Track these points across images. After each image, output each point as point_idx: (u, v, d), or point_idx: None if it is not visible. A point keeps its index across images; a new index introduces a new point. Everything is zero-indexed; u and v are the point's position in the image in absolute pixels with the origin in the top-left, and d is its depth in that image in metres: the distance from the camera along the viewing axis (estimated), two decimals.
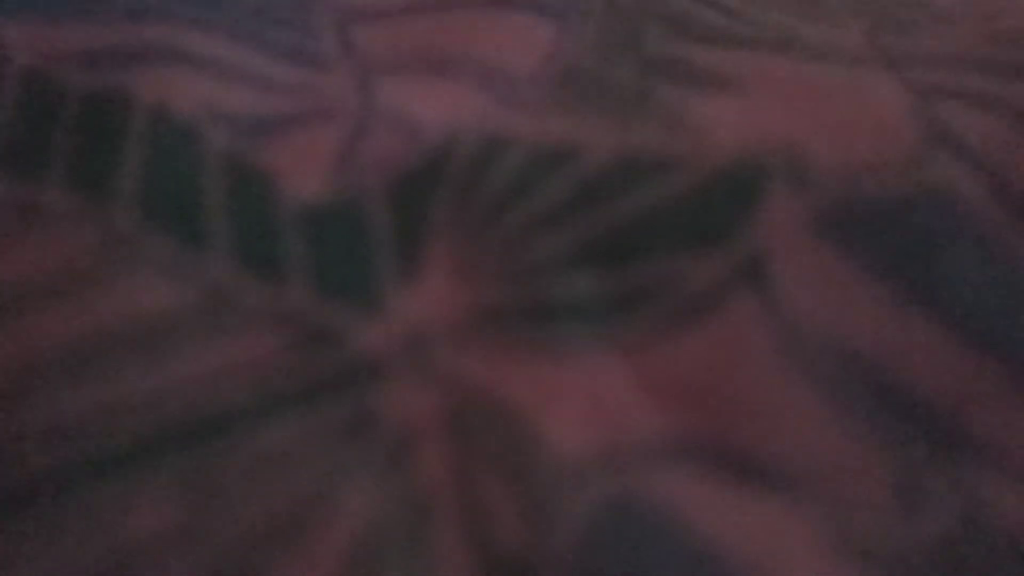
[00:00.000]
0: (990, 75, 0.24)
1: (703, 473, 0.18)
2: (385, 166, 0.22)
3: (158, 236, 0.21)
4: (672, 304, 0.20)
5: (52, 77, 0.23)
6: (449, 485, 0.18)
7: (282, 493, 0.17)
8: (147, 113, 0.22)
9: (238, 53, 0.24)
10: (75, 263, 0.20)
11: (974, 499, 0.18)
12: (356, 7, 0.26)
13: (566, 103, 0.23)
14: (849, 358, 0.19)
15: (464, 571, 0.17)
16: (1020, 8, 0.26)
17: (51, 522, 0.17)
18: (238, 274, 0.20)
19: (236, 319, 0.19)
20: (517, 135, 0.22)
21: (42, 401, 0.18)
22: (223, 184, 0.21)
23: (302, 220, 0.21)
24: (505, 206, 0.21)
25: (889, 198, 0.21)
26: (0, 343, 0.19)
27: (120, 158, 0.22)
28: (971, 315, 0.20)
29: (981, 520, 0.18)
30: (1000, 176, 0.22)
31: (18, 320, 0.19)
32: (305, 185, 0.21)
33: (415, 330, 0.20)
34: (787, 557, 0.17)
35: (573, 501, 0.17)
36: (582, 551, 0.17)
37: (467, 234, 0.21)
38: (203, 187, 0.21)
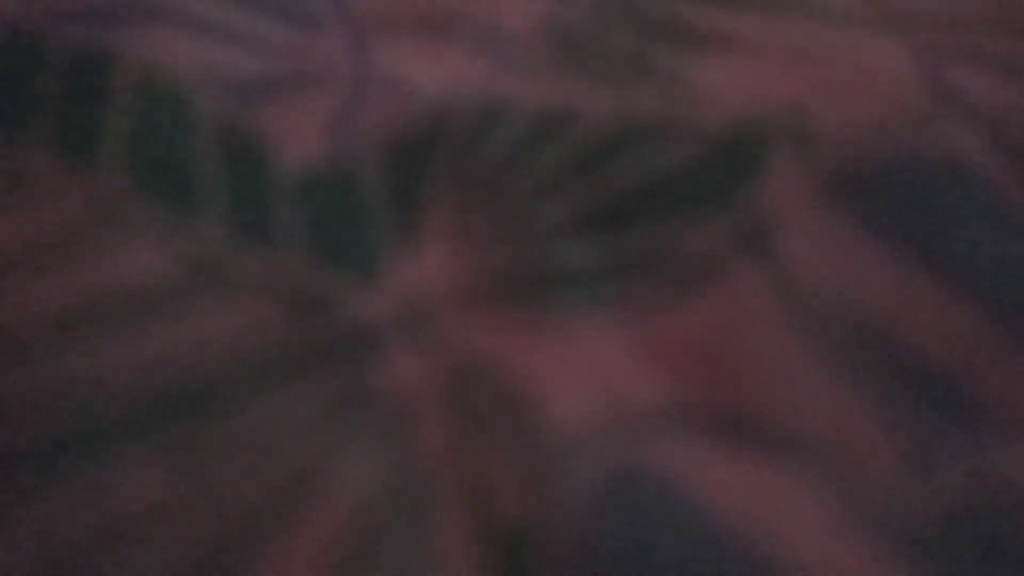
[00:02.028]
0: (995, 36, 0.24)
1: (707, 441, 0.18)
2: (382, 131, 0.22)
3: (147, 202, 0.20)
4: (674, 271, 0.20)
5: (35, 35, 0.23)
6: (449, 457, 0.18)
7: (276, 466, 0.17)
8: (135, 74, 0.22)
9: (229, 12, 0.24)
10: (61, 230, 0.20)
11: (983, 467, 0.18)
12: None
13: (564, 67, 0.23)
14: (856, 323, 0.19)
15: (465, 544, 0.17)
16: None
17: (37, 495, 0.17)
18: (230, 241, 0.20)
19: (228, 287, 0.19)
20: (515, 100, 0.22)
21: (27, 371, 0.18)
22: (215, 149, 0.21)
23: (297, 186, 0.21)
24: (504, 172, 0.21)
25: (895, 161, 0.21)
26: None
27: (107, 121, 0.21)
28: (980, 279, 0.20)
29: (989, 487, 0.18)
30: (1007, 137, 0.22)
31: (4, 286, 0.19)
32: (300, 150, 0.21)
33: (413, 299, 0.19)
34: (794, 525, 0.17)
35: (576, 472, 0.17)
36: (586, 522, 0.17)
37: (466, 201, 0.21)
38: (194, 151, 0.21)
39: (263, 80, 0.22)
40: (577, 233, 0.20)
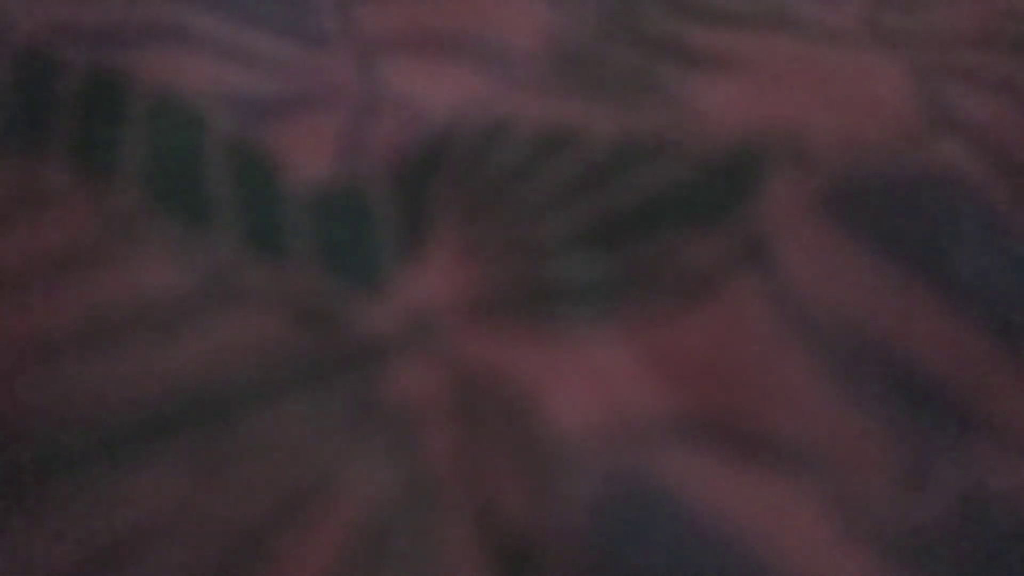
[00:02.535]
0: (992, 53, 0.24)
1: (708, 451, 0.18)
2: (389, 148, 0.22)
3: (161, 217, 0.20)
4: (676, 284, 0.20)
5: (52, 54, 0.23)
6: (454, 466, 0.18)
7: (286, 475, 0.17)
8: (149, 92, 0.22)
9: (240, 32, 0.24)
10: (77, 243, 0.20)
11: (980, 479, 0.18)
12: None
13: (567, 85, 0.23)
14: (854, 337, 0.19)
15: (470, 553, 0.17)
16: None
17: (55, 502, 0.17)
18: (242, 255, 0.20)
19: (240, 300, 0.19)
20: (519, 117, 0.22)
21: (44, 381, 0.18)
22: (227, 166, 0.21)
23: (307, 202, 0.21)
24: (509, 188, 0.21)
25: (892, 178, 0.21)
26: (2, 322, 0.19)
27: (122, 138, 0.21)
28: (976, 293, 0.20)
29: (986, 500, 0.18)
30: (1004, 154, 0.22)
31: (20, 300, 0.19)
32: (309, 168, 0.21)
33: (419, 311, 0.19)
34: (793, 536, 0.17)
35: (579, 481, 0.17)
36: (588, 530, 0.17)
37: (471, 215, 0.21)
38: (207, 168, 0.21)
39: (274, 99, 0.22)
40: (580, 247, 0.20)
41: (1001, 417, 0.19)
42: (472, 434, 0.18)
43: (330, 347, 0.19)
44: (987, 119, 0.22)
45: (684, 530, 0.17)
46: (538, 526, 0.17)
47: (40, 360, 0.19)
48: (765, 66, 0.23)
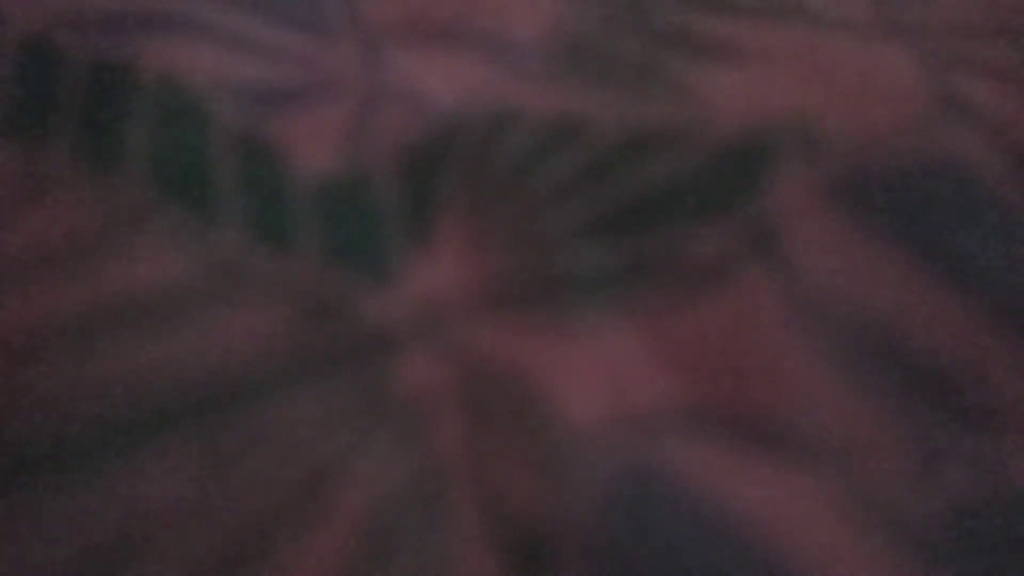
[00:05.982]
0: (998, 42, 0.24)
1: (718, 441, 0.18)
2: (395, 139, 0.22)
3: (167, 207, 0.20)
4: (685, 274, 0.20)
5: (54, 43, 0.23)
6: (464, 457, 0.18)
7: (295, 465, 0.17)
8: (154, 82, 0.22)
9: (246, 21, 0.24)
10: (82, 233, 0.20)
11: (993, 469, 0.18)
12: None
13: (574, 75, 0.23)
14: (865, 326, 0.19)
15: (480, 543, 0.17)
16: None
17: (63, 491, 0.17)
18: (249, 246, 0.20)
19: (247, 291, 0.19)
20: (526, 108, 0.22)
21: (50, 372, 0.18)
22: (233, 156, 0.21)
23: (313, 193, 0.21)
24: (516, 179, 0.21)
25: (901, 167, 0.21)
26: (8, 313, 0.19)
27: (127, 128, 0.21)
28: (984, 282, 0.20)
29: (1000, 489, 0.18)
30: (1012, 143, 0.22)
31: (26, 290, 0.19)
32: (316, 158, 0.21)
33: (427, 302, 0.19)
34: (805, 525, 0.17)
35: (589, 471, 0.17)
36: (599, 520, 0.17)
37: (478, 206, 0.21)
38: (212, 159, 0.21)
39: (279, 89, 0.22)
40: (588, 237, 0.20)
41: (1010, 404, 0.19)
42: (481, 426, 0.18)
43: (338, 339, 0.19)
44: (996, 108, 0.22)
45: (693, 519, 0.17)
46: (547, 518, 0.17)
47: (45, 351, 0.18)
48: (773, 55, 0.23)
